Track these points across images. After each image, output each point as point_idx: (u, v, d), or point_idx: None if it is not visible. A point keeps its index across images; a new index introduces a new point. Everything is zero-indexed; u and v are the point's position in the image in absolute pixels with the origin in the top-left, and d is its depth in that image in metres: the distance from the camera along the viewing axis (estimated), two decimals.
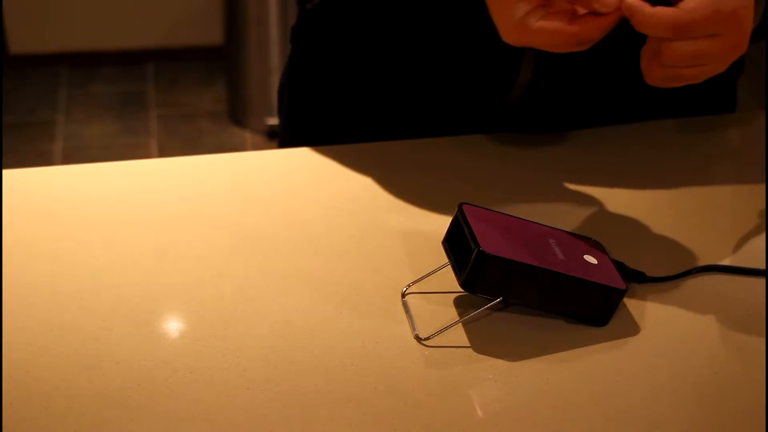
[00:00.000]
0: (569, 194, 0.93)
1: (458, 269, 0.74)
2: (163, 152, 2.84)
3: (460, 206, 0.76)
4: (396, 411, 0.68)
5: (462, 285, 0.73)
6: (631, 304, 0.79)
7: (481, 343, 0.74)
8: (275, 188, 0.91)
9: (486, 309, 0.75)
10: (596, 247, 0.80)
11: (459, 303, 0.78)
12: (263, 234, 0.84)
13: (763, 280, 0.83)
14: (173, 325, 0.75)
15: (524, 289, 0.74)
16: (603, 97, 1.03)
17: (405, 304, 0.77)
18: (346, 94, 1.08)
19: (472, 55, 0.97)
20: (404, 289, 0.78)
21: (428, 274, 0.78)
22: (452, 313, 0.77)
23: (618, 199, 0.93)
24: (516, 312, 0.77)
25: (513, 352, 0.73)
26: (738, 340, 0.76)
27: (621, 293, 0.76)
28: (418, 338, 0.74)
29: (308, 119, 1.13)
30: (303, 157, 0.96)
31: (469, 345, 0.74)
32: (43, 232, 0.83)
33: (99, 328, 0.73)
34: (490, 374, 0.71)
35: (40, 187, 0.90)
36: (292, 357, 0.72)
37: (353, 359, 0.72)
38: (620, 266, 0.80)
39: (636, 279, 0.81)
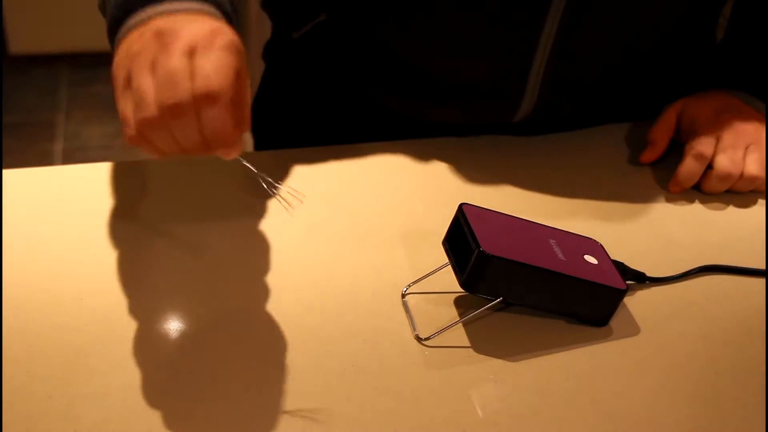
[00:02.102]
0: (569, 194, 0.93)
1: (458, 269, 0.74)
2: None
3: (460, 206, 0.76)
4: (396, 411, 0.68)
5: (462, 285, 0.73)
6: (631, 304, 0.79)
7: (481, 343, 0.74)
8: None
9: (486, 309, 0.75)
10: (596, 247, 0.80)
11: (459, 303, 0.78)
12: (263, 234, 0.84)
13: (763, 280, 0.83)
14: (173, 325, 0.75)
15: (524, 290, 0.74)
16: (606, 107, 1.04)
17: (405, 304, 0.77)
18: (326, 120, 1.07)
19: (475, 84, 0.97)
20: (404, 289, 0.78)
21: (428, 274, 0.78)
22: (452, 313, 0.77)
23: (618, 199, 0.93)
24: (516, 312, 0.77)
25: (513, 352, 0.73)
26: (738, 340, 0.76)
27: (621, 293, 0.76)
28: (418, 338, 0.74)
29: (281, 140, 1.13)
30: (303, 157, 0.96)
31: (469, 345, 0.74)
32: (43, 232, 0.83)
33: (99, 328, 0.73)
34: (490, 374, 0.71)
35: (40, 187, 0.90)
36: (292, 357, 0.72)
37: (353, 359, 0.72)
38: (620, 266, 0.80)
39: (636, 279, 0.81)
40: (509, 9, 0.89)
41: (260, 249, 0.83)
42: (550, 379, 0.71)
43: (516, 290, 0.74)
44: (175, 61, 0.63)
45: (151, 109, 0.63)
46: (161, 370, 0.70)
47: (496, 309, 0.77)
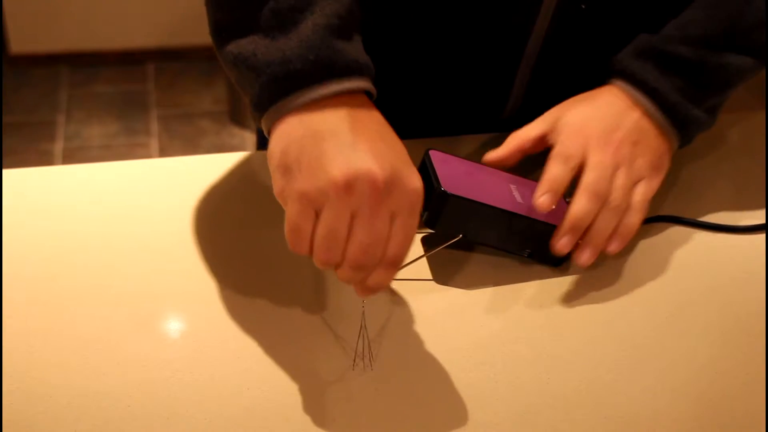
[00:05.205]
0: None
1: (422, 208, 0.77)
2: (164, 152, 2.83)
3: (426, 151, 0.81)
4: (397, 411, 0.68)
5: (425, 222, 0.78)
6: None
7: (443, 276, 0.80)
8: None
9: (446, 246, 0.79)
10: None
11: (425, 242, 0.83)
12: (263, 234, 0.84)
13: (706, 232, 0.88)
14: (173, 325, 0.75)
15: (481, 228, 0.79)
16: None
17: None
18: None
19: (462, 83, 0.97)
20: None
21: None
22: (418, 251, 0.81)
23: None
24: (477, 251, 0.82)
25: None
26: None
27: None
28: None
29: None
30: None
31: (431, 278, 0.80)
32: (43, 232, 0.83)
33: (99, 328, 0.73)
34: (491, 374, 0.71)
35: (40, 187, 0.90)
36: (293, 357, 0.72)
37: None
38: None
39: None
40: (500, 14, 0.90)
41: (260, 248, 0.83)
42: (551, 379, 0.72)
43: (474, 228, 0.79)
44: (382, 226, 0.65)
45: (335, 255, 0.65)
46: (161, 370, 0.70)
47: (459, 248, 0.82)
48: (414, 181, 0.66)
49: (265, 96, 0.69)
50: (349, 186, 0.63)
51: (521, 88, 0.97)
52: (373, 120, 0.70)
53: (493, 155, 0.85)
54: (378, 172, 0.64)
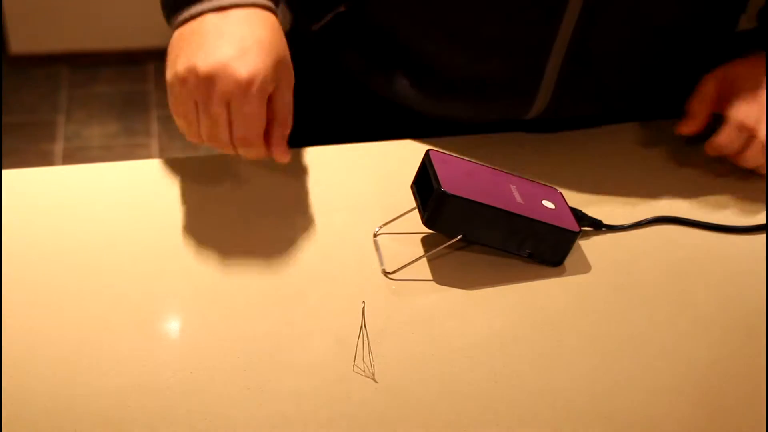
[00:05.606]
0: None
1: (423, 208, 0.80)
2: (164, 152, 2.83)
3: (426, 152, 0.82)
4: (397, 411, 0.68)
5: (425, 222, 0.79)
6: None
7: (443, 277, 0.80)
8: (275, 188, 0.91)
9: (447, 246, 0.80)
10: (555, 195, 0.85)
11: (425, 242, 0.83)
12: (263, 234, 0.84)
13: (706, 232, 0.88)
14: (173, 325, 0.75)
15: (481, 228, 0.80)
16: (622, 107, 1.03)
17: (375, 243, 0.83)
18: (341, 115, 1.07)
19: (490, 82, 0.96)
20: (376, 229, 0.84)
21: (397, 217, 0.84)
22: (418, 251, 0.82)
23: (620, 197, 0.93)
24: (476, 251, 0.83)
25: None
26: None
27: (574, 235, 0.81)
28: (384, 273, 0.79)
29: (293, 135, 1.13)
30: (302, 156, 0.96)
31: (431, 278, 0.80)
32: (43, 232, 0.83)
33: (99, 328, 0.73)
34: (491, 374, 0.72)
35: (40, 187, 0.90)
36: (293, 357, 0.72)
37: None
38: (578, 213, 0.84)
39: (593, 226, 0.86)
40: (526, 7, 0.89)
41: (260, 248, 0.83)
42: (551, 379, 0.72)
43: (474, 228, 0.80)
44: (217, 111, 0.78)
45: (196, 137, 0.80)
46: (161, 370, 0.70)
47: (458, 248, 0.82)
48: (238, 71, 0.76)
49: (166, 20, 0.83)
50: (183, 80, 0.77)
51: (549, 88, 0.95)
52: (236, 24, 0.79)
53: (688, 128, 0.96)
54: (200, 67, 0.77)
